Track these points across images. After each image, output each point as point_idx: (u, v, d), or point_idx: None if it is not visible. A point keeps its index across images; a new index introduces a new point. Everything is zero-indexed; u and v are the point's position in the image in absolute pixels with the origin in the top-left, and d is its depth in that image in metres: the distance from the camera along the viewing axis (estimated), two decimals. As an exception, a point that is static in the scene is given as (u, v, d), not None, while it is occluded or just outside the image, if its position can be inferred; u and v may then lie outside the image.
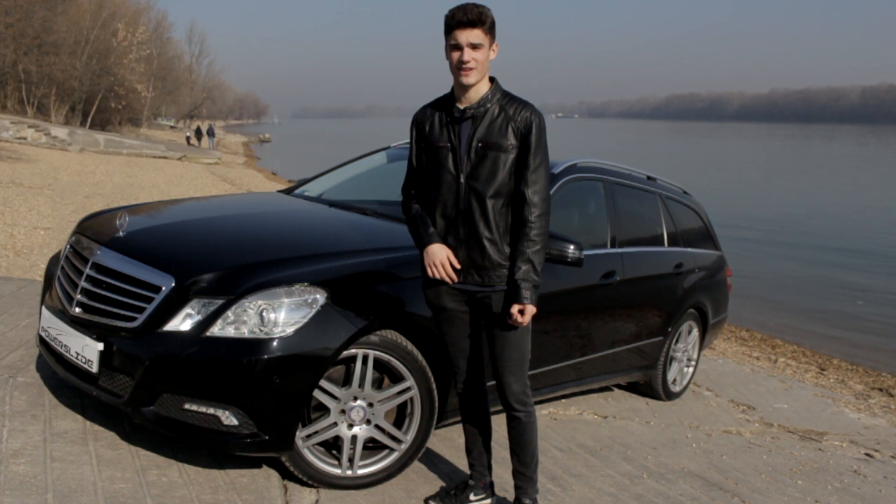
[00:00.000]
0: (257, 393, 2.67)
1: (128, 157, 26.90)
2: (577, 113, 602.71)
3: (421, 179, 2.81)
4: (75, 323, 2.98)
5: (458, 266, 2.70)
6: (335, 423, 2.93)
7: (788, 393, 6.73)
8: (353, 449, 2.98)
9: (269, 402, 2.69)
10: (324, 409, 2.92)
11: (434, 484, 3.24)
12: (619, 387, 5.52)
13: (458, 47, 2.57)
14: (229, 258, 3.01)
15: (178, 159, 29.76)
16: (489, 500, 3.06)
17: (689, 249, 5.43)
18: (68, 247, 3.43)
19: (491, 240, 2.66)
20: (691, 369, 5.63)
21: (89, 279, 3.03)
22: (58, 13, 35.78)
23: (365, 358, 2.92)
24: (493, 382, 2.84)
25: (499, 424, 3.31)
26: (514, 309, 2.62)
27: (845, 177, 40.07)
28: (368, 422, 2.99)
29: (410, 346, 3.03)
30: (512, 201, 2.67)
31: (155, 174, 21.00)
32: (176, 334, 2.74)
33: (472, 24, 2.55)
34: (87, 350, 2.88)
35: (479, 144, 2.64)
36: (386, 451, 3.08)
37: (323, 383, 2.86)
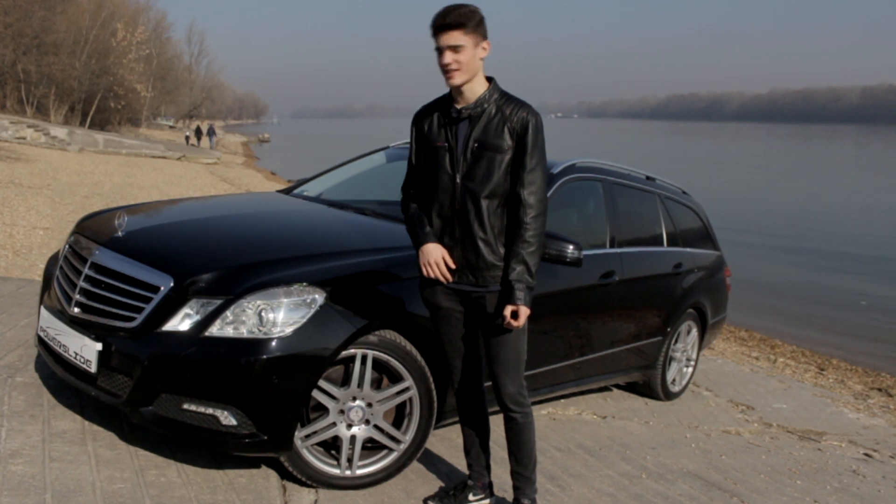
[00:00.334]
0: (256, 393, 2.67)
1: (127, 157, 26.89)
2: (577, 113, 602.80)
3: (419, 179, 2.82)
4: (74, 323, 2.98)
5: (452, 266, 2.70)
6: (334, 424, 2.93)
7: (787, 393, 6.73)
8: (352, 449, 2.98)
9: (267, 403, 2.69)
10: (322, 410, 2.91)
11: (433, 484, 3.24)
12: (619, 387, 5.52)
13: (441, 50, 2.57)
14: (228, 258, 3.01)
15: (177, 159, 29.75)
16: (488, 501, 3.06)
17: (689, 249, 5.43)
18: (67, 247, 3.43)
19: (485, 240, 2.66)
20: (690, 369, 5.63)
21: (88, 279, 3.03)
22: (57, 13, 35.76)
23: (364, 358, 2.92)
24: (490, 383, 2.84)
25: (498, 424, 3.30)
26: (507, 310, 2.61)
27: (847, 177, 40.00)
28: (367, 422, 2.99)
29: (409, 347, 3.03)
30: (507, 202, 2.66)
31: (154, 174, 21.00)
32: (174, 334, 2.74)
33: (449, 27, 2.55)
34: (85, 350, 2.87)
35: (476, 145, 2.64)
36: (385, 452, 3.08)
37: (322, 383, 2.85)
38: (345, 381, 2.94)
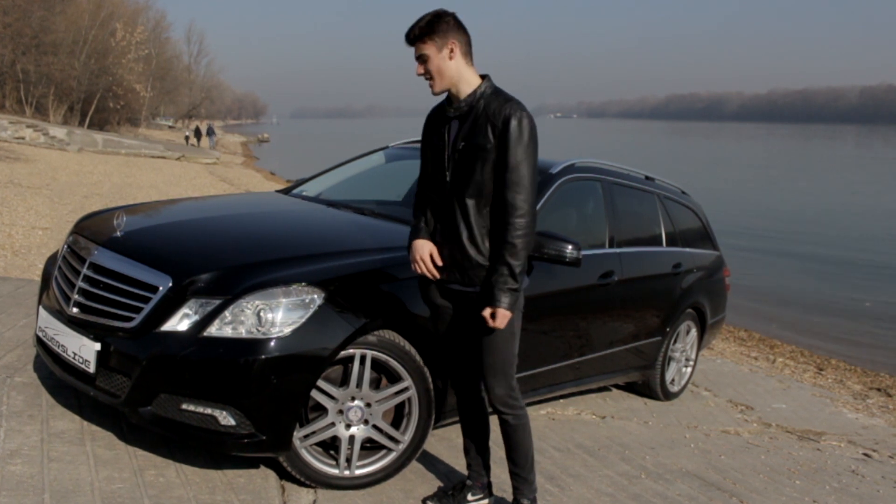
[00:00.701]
0: (255, 393, 2.66)
1: (126, 157, 26.88)
2: (577, 113, 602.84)
3: (423, 177, 2.85)
4: (72, 323, 2.98)
5: (439, 263, 2.72)
6: (333, 424, 2.93)
7: (787, 393, 6.73)
8: (351, 449, 2.98)
9: (266, 403, 2.68)
10: (321, 410, 2.91)
11: (432, 484, 3.24)
12: (618, 387, 5.52)
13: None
14: (227, 258, 3.01)
15: (176, 159, 29.73)
16: (487, 501, 3.06)
17: (688, 249, 5.43)
18: (66, 247, 3.43)
19: (471, 239, 2.66)
20: (689, 369, 5.63)
21: (87, 279, 3.03)
22: (56, 13, 35.75)
23: (363, 358, 2.91)
24: None
25: (497, 424, 3.30)
26: (486, 312, 2.60)
27: (849, 178, 39.96)
28: (366, 422, 2.99)
29: (408, 347, 3.02)
30: (493, 202, 2.65)
31: (153, 174, 20.99)
32: (173, 334, 2.74)
33: (412, 41, 2.63)
34: (84, 350, 2.87)
35: (462, 144, 2.65)
36: (384, 452, 3.08)
37: (320, 383, 2.85)
38: (344, 382, 2.94)
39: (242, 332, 2.71)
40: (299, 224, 3.82)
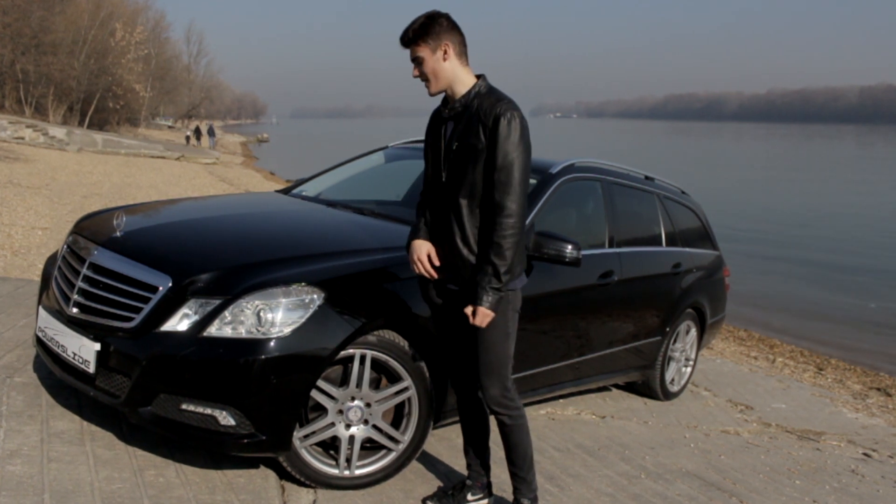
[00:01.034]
0: (254, 393, 2.66)
1: (126, 157, 26.87)
2: (576, 113, 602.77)
3: (427, 177, 2.86)
4: (72, 323, 2.98)
5: (436, 262, 2.73)
6: (333, 424, 2.93)
7: (786, 393, 6.73)
8: (351, 449, 2.98)
9: (266, 403, 2.68)
10: (321, 410, 2.91)
11: (431, 484, 3.24)
12: (617, 387, 5.52)
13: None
14: (226, 258, 3.01)
15: (176, 159, 29.72)
16: (486, 500, 3.06)
17: (687, 249, 5.43)
18: (65, 247, 3.42)
19: (463, 240, 2.66)
20: (689, 369, 5.63)
21: (86, 279, 3.03)
22: (55, 13, 35.75)
23: (362, 358, 2.91)
24: None
25: (497, 424, 3.31)
26: (468, 309, 2.60)
27: (850, 178, 39.89)
28: (366, 422, 2.99)
29: (408, 346, 3.02)
30: (482, 202, 2.64)
31: (153, 174, 20.98)
32: (173, 334, 2.74)
33: (406, 44, 2.64)
34: (84, 350, 2.87)
35: (456, 144, 2.65)
36: (383, 452, 3.08)
37: (320, 383, 2.85)
38: (343, 382, 2.94)
39: (242, 332, 2.71)
40: (299, 224, 3.82)
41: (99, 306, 2.93)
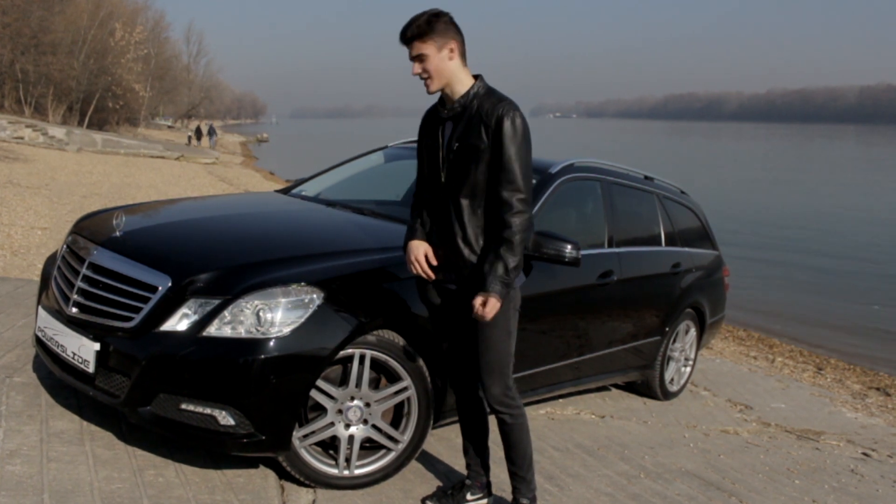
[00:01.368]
0: (254, 393, 2.66)
1: (125, 157, 26.85)
2: (576, 113, 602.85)
3: (421, 177, 2.85)
4: (72, 323, 2.98)
5: (434, 263, 2.73)
6: (332, 423, 2.93)
7: (786, 392, 6.73)
8: (350, 449, 2.98)
9: (265, 402, 2.68)
10: (321, 409, 2.91)
11: (431, 484, 3.24)
12: (617, 386, 5.52)
13: (412, 61, 2.64)
14: (226, 258, 3.01)
15: (175, 159, 29.71)
16: (486, 500, 3.06)
17: (687, 249, 5.43)
18: (65, 247, 3.42)
19: (465, 240, 2.66)
20: (689, 369, 5.63)
21: (86, 279, 3.03)
22: (55, 13, 35.73)
23: (362, 358, 2.91)
24: None
25: (496, 424, 3.31)
26: (478, 300, 2.57)
27: (850, 178, 39.79)
28: (365, 422, 2.99)
29: (408, 346, 3.02)
30: (487, 202, 2.64)
31: (152, 174, 20.97)
32: (173, 334, 2.74)
33: (408, 40, 2.61)
34: (83, 350, 2.87)
35: (456, 145, 2.65)
36: (383, 451, 3.08)
37: (320, 383, 2.85)
38: (343, 381, 2.94)
39: (242, 332, 2.71)
40: (298, 224, 3.82)
41: (98, 306, 2.93)
